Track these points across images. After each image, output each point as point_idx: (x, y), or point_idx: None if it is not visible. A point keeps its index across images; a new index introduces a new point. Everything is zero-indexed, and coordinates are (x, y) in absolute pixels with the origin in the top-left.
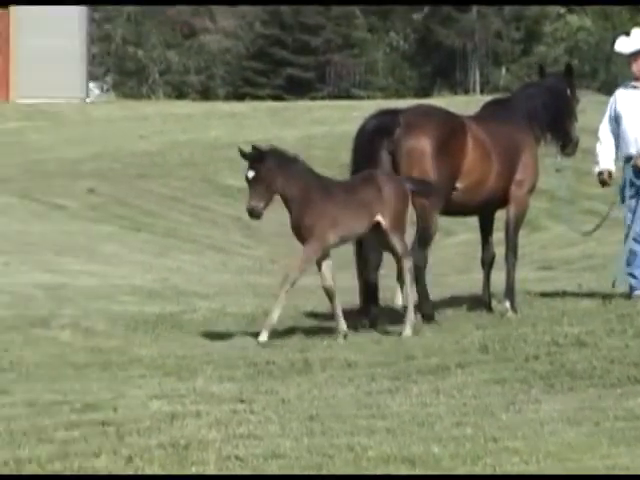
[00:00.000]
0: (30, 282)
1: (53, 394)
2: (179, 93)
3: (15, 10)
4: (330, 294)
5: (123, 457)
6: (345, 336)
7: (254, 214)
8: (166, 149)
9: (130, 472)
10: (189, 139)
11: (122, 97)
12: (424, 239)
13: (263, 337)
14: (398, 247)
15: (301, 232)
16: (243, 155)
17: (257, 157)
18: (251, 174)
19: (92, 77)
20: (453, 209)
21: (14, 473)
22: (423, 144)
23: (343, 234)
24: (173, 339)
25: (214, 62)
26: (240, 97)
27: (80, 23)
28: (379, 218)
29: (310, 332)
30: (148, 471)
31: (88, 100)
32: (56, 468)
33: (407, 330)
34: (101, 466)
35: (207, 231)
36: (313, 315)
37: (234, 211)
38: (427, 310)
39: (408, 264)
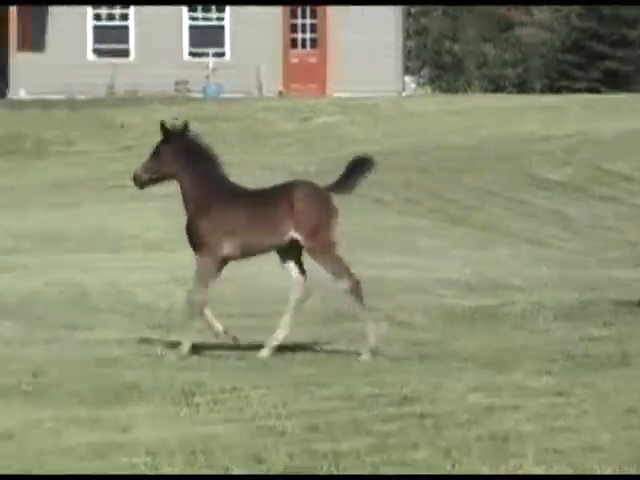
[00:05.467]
0: None
1: (370, 387)
2: (495, 86)
3: (332, 6)
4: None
5: (441, 449)
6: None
7: (137, 181)
8: (482, 143)
9: (448, 464)
10: (505, 132)
11: (438, 91)
12: None
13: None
14: (328, 268)
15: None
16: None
17: (166, 136)
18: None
19: (408, 71)
20: None
21: (332, 466)
22: None
23: (243, 247)
24: (490, 332)
25: (530, 55)
26: (556, 90)
27: (396, 17)
28: (293, 234)
29: (628, 325)
30: (465, 464)
31: (404, 94)
32: (375, 460)
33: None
34: (420, 458)
35: (523, 224)
36: (630, 307)
37: (551, 204)
38: None
39: (346, 284)
